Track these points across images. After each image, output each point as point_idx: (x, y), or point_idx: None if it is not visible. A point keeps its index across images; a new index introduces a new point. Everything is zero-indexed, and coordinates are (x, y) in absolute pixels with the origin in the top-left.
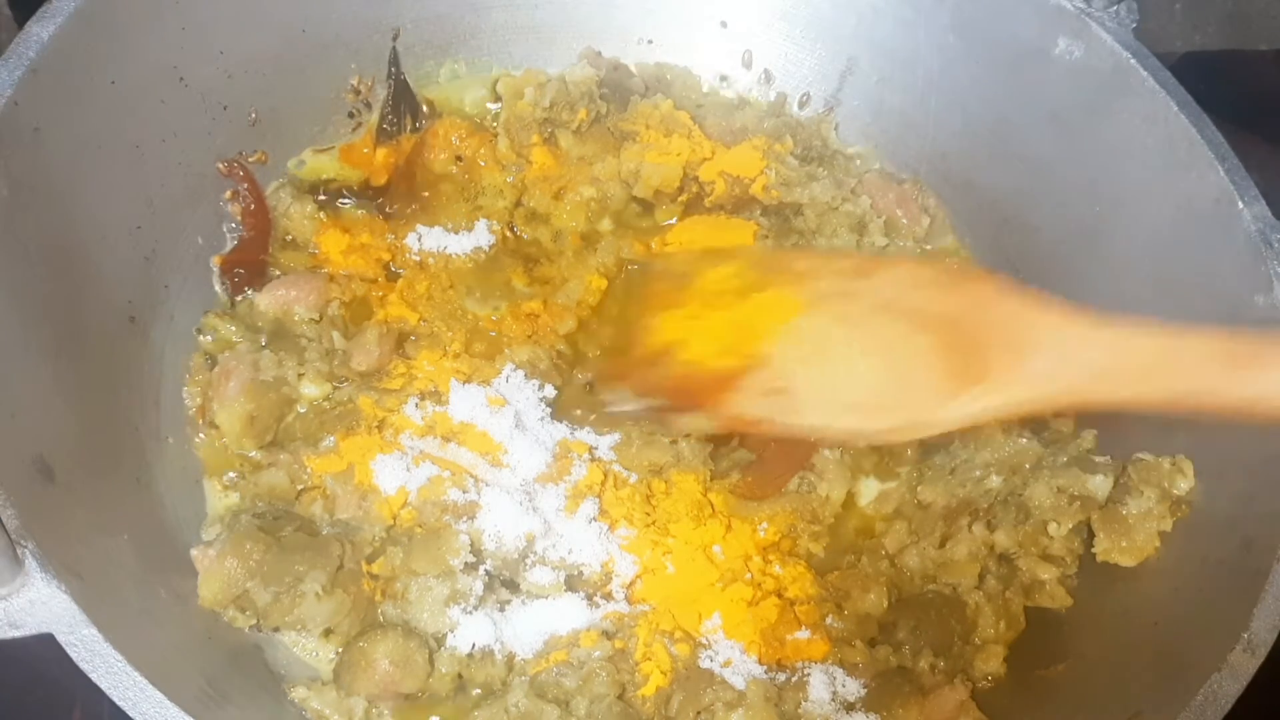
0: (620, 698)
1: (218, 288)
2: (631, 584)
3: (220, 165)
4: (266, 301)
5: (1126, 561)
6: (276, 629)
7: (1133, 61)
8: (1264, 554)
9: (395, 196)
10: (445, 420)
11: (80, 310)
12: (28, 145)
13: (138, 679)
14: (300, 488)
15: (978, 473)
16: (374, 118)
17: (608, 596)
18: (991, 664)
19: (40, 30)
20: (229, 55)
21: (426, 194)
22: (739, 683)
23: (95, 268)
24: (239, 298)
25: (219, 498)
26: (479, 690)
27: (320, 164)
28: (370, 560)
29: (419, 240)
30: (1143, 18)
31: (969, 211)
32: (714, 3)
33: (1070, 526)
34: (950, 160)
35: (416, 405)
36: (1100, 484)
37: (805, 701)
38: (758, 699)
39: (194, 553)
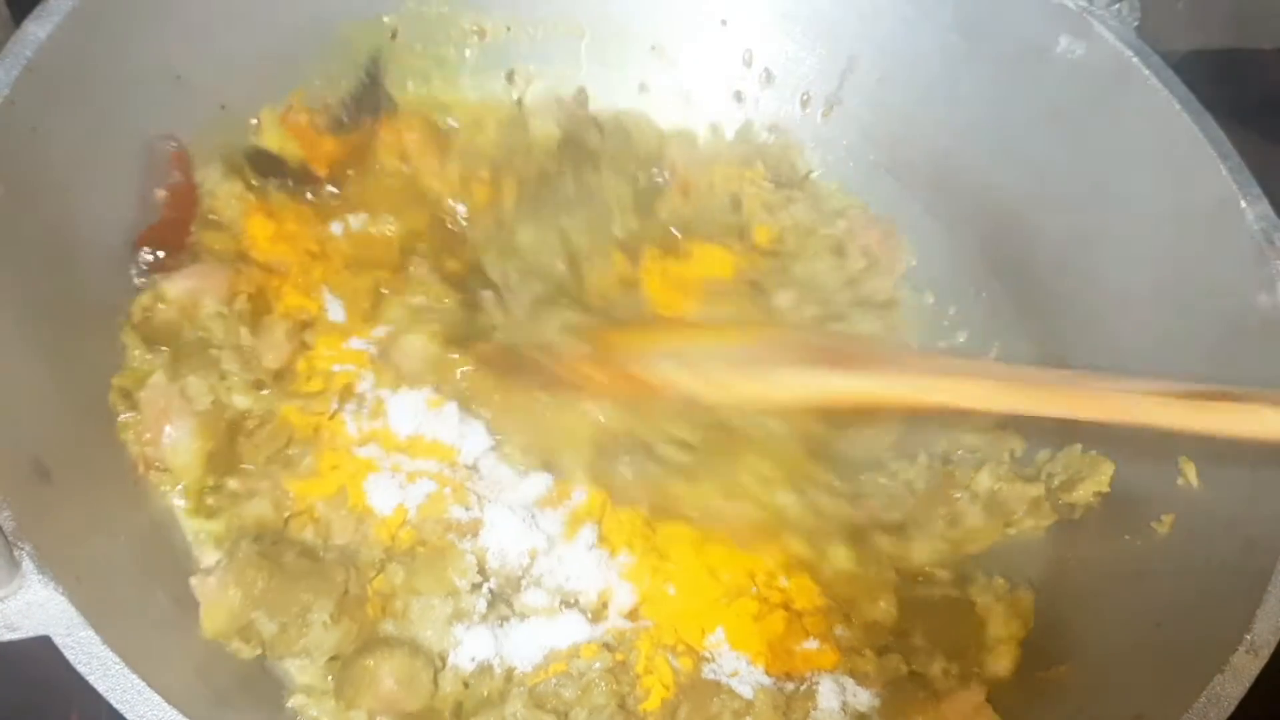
0: (621, 708)
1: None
2: (631, 611)
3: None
4: (175, 291)
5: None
6: (281, 659)
7: (1135, 60)
8: (1266, 555)
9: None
10: (390, 436)
11: (78, 310)
12: (25, 144)
13: (135, 681)
14: (287, 515)
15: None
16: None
17: (604, 620)
18: (1004, 663)
19: (37, 29)
20: (227, 54)
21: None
22: (747, 691)
23: (93, 267)
24: (142, 281)
25: (199, 525)
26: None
27: (273, 131)
28: (371, 579)
29: (343, 228)
30: (1145, 16)
31: (970, 210)
32: (714, 1)
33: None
34: (951, 159)
35: (352, 416)
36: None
37: (814, 710)
38: (765, 707)
39: (193, 581)
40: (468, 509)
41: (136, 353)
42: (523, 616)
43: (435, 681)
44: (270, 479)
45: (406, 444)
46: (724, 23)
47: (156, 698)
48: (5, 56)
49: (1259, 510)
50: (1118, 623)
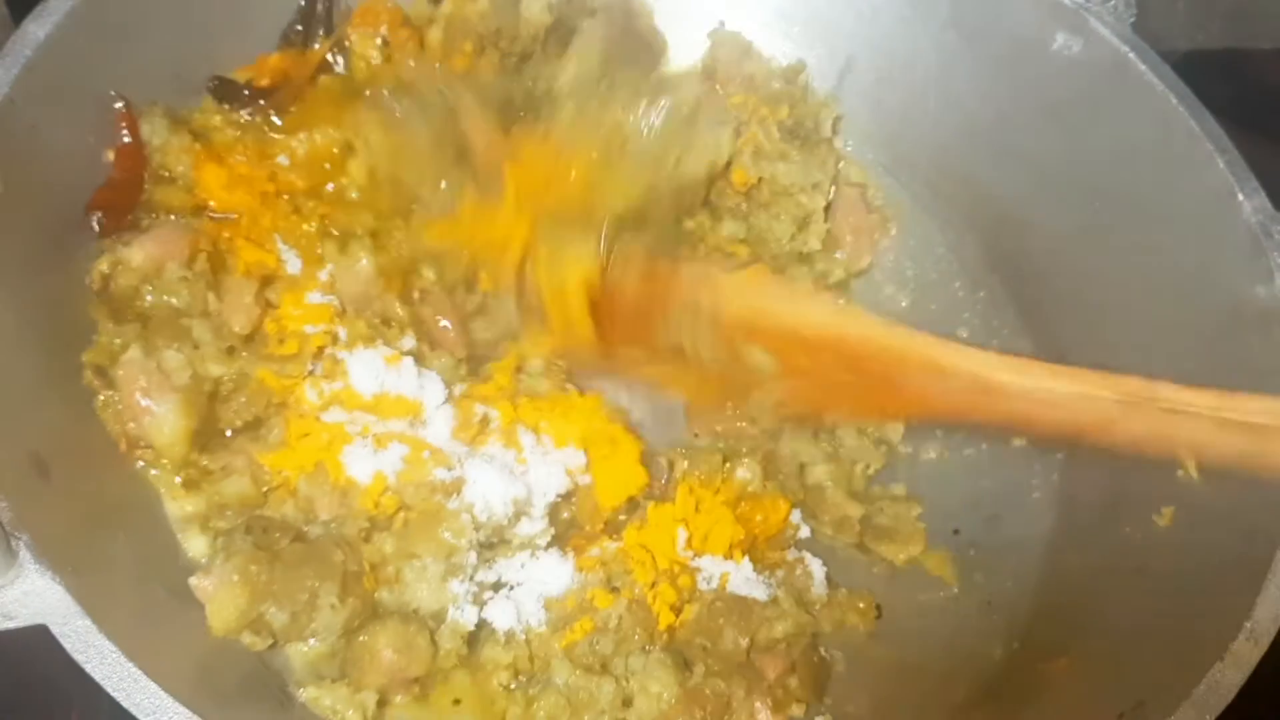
0: (651, 638)
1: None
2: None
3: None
4: (138, 257)
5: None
6: (290, 643)
7: (1131, 55)
8: (1266, 543)
9: (278, 100)
10: (355, 396)
11: (76, 306)
12: (24, 143)
13: (132, 670)
14: (265, 489)
15: None
16: None
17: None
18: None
19: (37, 29)
20: (225, 53)
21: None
22: (762, 593)
23: (92, 266)
24: (102, 245)
25: (178, 506)
26: (521, 677)
27: None
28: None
29: (289, 157)
30: (1144, 16)
31: (969, 207)
32: (713, 1)
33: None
34: (950, 157)
35: (310, 379)
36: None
37: (813, 587)
38: (790, 604)
39: (193, 582)
40: (449, 469)
41: (108, 327)
42: (508, 561)
43: (433, 642)
44: (244, 454)
45: (372, 403)
46: (723, 23)
47: (153, 686)
48: (5, 56)
49: (1258, 501)
50: (1119, 613)
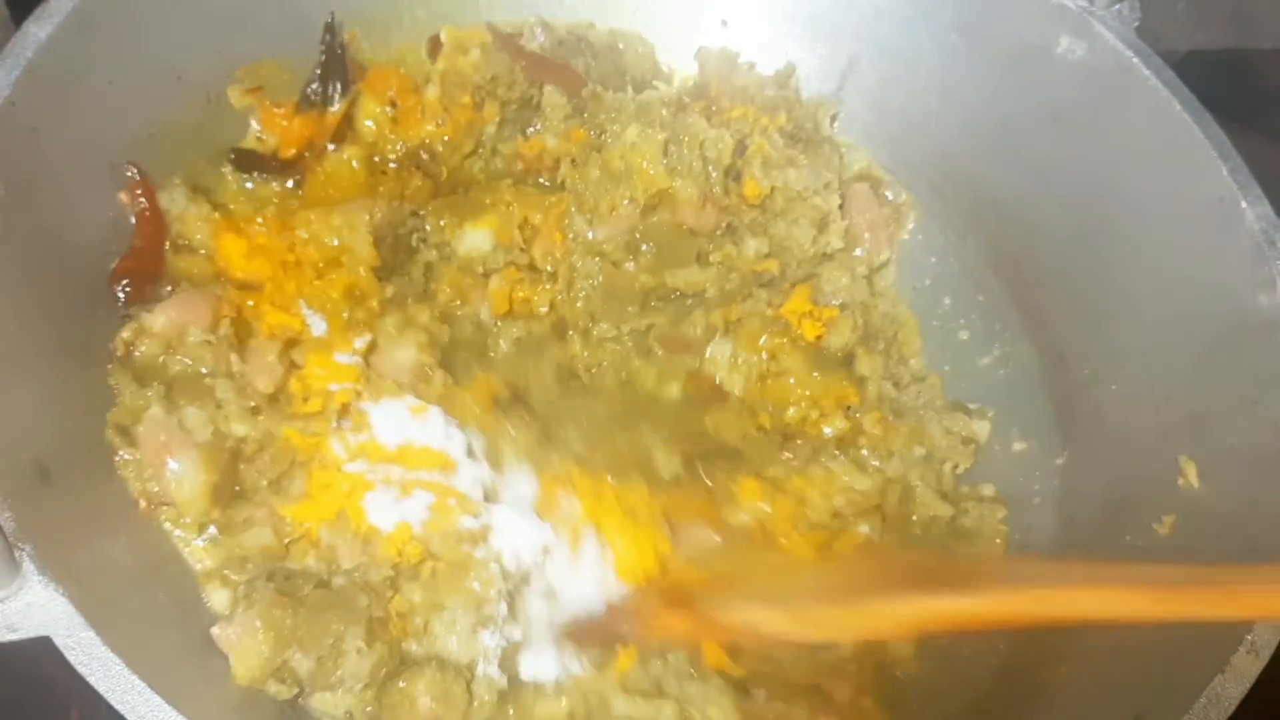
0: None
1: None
2: None
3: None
4: (160, 323)
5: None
6: (318, 692)
7: (1135, 60)
8: (1268, 555)
9: (300, 169)
10: (379, 448)
11: (78, 311)
12: (25, 145)
13: (135, 682)
14: (287, 541)
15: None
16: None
17: None
18: None
19: (38, 30)
20: (227, 53)
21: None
22: None
23: (93, 268)
24: (127, 315)
25: (201, 559)
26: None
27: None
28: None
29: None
30: (1145, 16)
31: (971, 210)
32: (715, 2)
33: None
34: (952, 159)
35: (335, 432)
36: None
37: None
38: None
39: (214, 632)
40: (475, 516)
41: (129, 390)
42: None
43: (469, 691)
44: (266, 506)
45: (396, 454)
46: (724, 24)
47: (157, 698)
48: (5, 57)
49: (1259, 511)
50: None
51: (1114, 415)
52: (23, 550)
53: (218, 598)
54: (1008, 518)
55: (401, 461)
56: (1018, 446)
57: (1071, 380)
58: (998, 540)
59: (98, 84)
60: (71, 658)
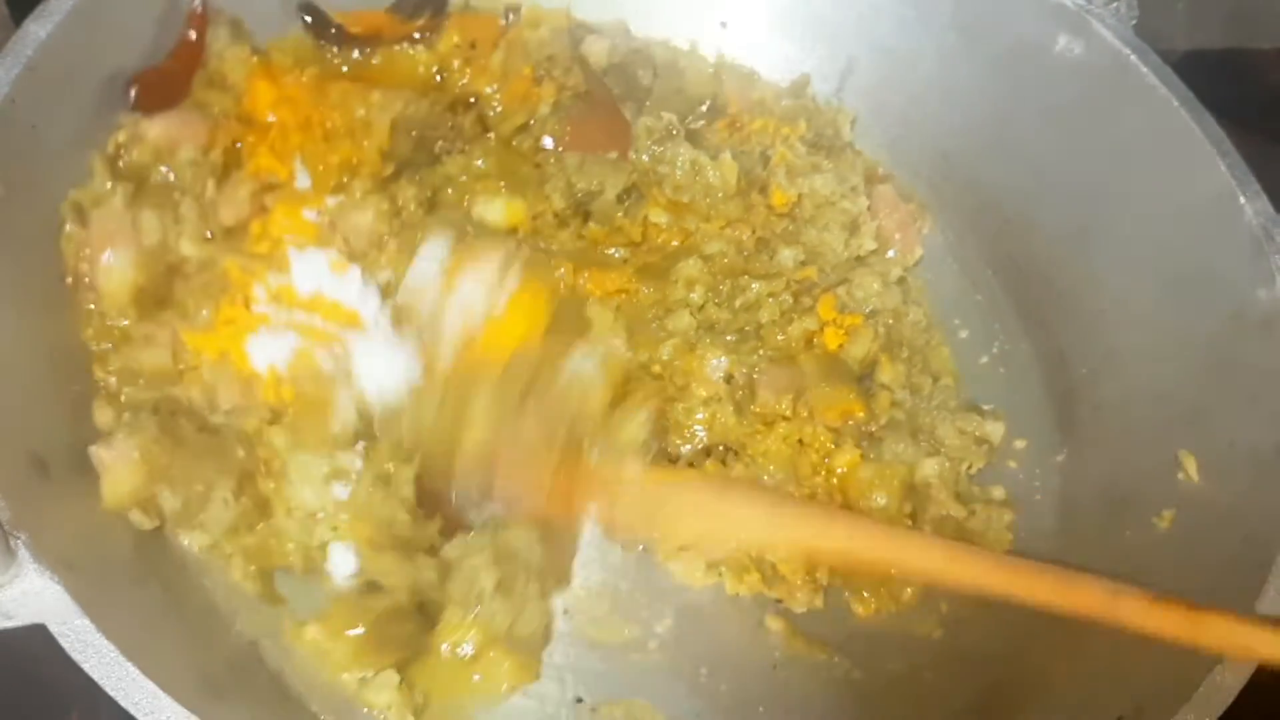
0: None
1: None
2: None
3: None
4: (156, 131)
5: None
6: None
7: (1133, 58)
8: (1265, 548)
9: (363, 45)
10: (291, 293)
11: (77, 309)
12: (25, 144)
13: (131, 670)
14: (182, 368)
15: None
16: None
17: None
18: None
19: (38, 29)
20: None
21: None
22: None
23: None
24: (128, 112)
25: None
26: None
27: None
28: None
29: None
30: (1144, 16)
31: (970, 210)
32: (714, 3)
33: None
34: (951, 159)
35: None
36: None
37: None
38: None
39: (93, 450)
40: (335, 355)
41: (101, 178)
42: None
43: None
44: (170, 327)
45: (307, 303)
46: (724, 24)
47: (152, 685)
48: (5, 56)
49: (1258, 505)
50: None
51: (1113, 412)
52: (18, 539)
53: (102, 414)
54: (1014, 524)
55: (310, 310)
56: (1018, 444)
57: (1071, 378)
58: (1001, 545)
59: (98, 82)
60: (66, 645)
